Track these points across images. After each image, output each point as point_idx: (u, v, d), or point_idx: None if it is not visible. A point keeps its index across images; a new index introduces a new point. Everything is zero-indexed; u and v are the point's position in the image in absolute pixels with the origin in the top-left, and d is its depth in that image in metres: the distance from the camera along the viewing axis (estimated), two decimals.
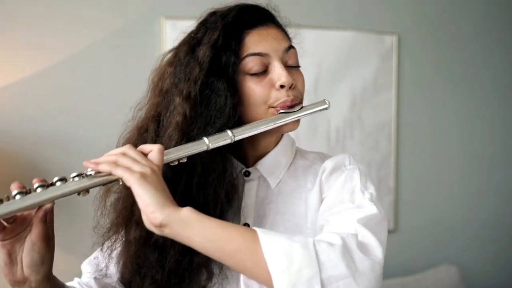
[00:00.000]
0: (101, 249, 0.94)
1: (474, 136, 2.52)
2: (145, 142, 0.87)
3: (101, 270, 0.97)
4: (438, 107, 2.44)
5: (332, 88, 2.19)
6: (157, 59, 1.98)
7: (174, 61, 0.90)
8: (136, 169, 0.71)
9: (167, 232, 0.70)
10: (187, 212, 0.71)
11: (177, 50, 0.92)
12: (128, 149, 0.75)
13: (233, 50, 0.86)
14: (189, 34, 0.92)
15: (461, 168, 2.51)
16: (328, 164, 0.94)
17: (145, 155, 0.76)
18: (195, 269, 0.87)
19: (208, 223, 0.71)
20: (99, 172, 0.74)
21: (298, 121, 0.90)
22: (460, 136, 2.49)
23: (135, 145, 0.85)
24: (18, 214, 0.76)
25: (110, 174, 0.73)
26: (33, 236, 0.77)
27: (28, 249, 0.78)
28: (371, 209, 0.81)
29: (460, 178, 2.51)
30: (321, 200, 0.91)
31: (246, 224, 0.92)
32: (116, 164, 0.72)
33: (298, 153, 1.01)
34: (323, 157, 0.99)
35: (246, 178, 0.95)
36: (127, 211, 0.87)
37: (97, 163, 0.74)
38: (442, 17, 2.43)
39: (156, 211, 0.69)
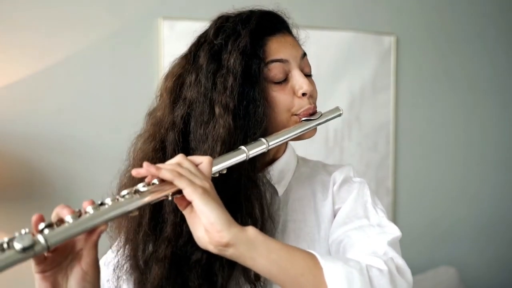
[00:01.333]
0: (114, 270, 0.89)
1: (473, 136, 2.52)
2: (164, 152, 0.85)
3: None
4: (437, 108, 2.44)
5: (330, 89, 2.19)
6: (155, 60, 1.99)
7: (194, 68, 0.87)
8: (197, 183, 0.67)
9: (231, 252, 0.67)
10: (253, 232, 0.68)
11: (193, 56, 0.88)
12: (183, 159, 0.71)
13: (260, 57, 0.86)
14: (205, 40, 0.89)
15: (460, 169, 2.51)
16: (337, 175, 0.95)
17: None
18: (238, 281, 0.85)
19: (273, 245, 0.69)
20: (151, 185, 0.69)
21: (315, 129, 0.92)
22: (458, 137, 2.49)
23: (152, 157, 0.83)
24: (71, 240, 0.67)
25: (167, 188, 0.68)
26: (84, 265, 0.70)
27: (78, 280, 0.70)
28: (395, 231, 0.83)
29: (459, 179, 2.50)
30: (334, 212, 0.92)
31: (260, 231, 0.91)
32: (178, 173, 0.67)
33: (300, 161, 1.02)
34: (324, 166, 1.00)
35: None
36: (153, 228, 0.83)
37: (159, 168, 0.68)
38: (440, 18, 2.43)
39: (224, 230, 0.65)
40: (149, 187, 0.68)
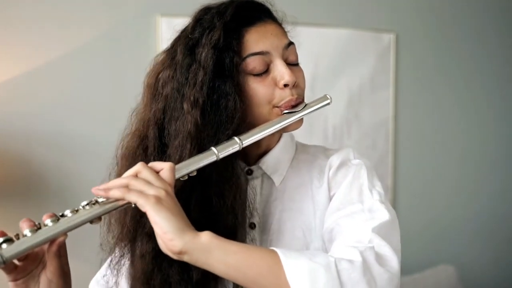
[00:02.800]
0: (109, 265, 0.90)
1: (472, 135, 2.52)
2: (146, 149, 0.84)
3: None
4: (436, 105, 2.43)
5: (329, 86, 2.18)
6: (152, 57, 1.97)
7: (172, 64, 0.86)
8: (150, 193, 0.68)
9: (186, 259, 0.67)
10: (207, 237, 0.68)
11: (172, 51, 0.88)
12: (141, 167, 0.71)
13: (235, 50, 0.83)
14: (184, 34, 0.88)
15: (460, 167, 2.50)
16: (334, 160, 0.92)
17: (156, 172, 0.73)
18: (221, 279, 0.84)
19: (229, 248, 0.68)
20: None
21: (301, 119, 0.88)
22: (458, 135, 2.49)
23: (135, 154, 0.82)
24: (30, 252, 0.71)
25: (122, 199, 0.70)
26: (48, 273, 0.74)
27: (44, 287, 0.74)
28: (383, 215, 0.80)
29: (458, 178, 2.50)
30: (329, 198, 0.89)
31: (252, 224, 0.90)
32: (128, 188, 0.69)
33: (299, 147, 0.99)
34: (325, 151, 0.97)
35: (248, 177, 0.92)
36: (136, 224, 0.83)
37: (107, 190, 0.70)
38: (440, 15, 2.42)
39: (175, 239, 0.66)
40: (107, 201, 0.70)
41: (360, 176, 0.88)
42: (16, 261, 0.71)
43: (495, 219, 2.57)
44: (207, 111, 0.81)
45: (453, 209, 2.49)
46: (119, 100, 1.89)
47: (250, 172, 0.92)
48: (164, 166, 0.73)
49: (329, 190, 0.90)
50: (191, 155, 0.79)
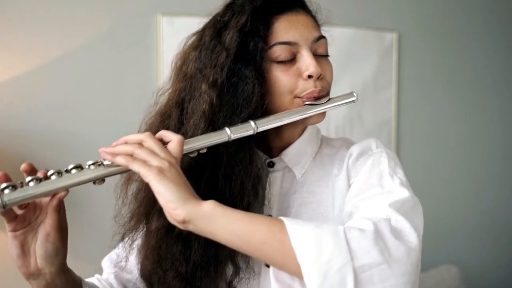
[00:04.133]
0: (122, 240, 0.91)
1: (474, 134, 2.50)
2: (167, 129, 0.83)
3: (120, 262, 0.94)
4: (438, 105, 2.42)
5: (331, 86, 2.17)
6: (153, 56, 1.97)
7: (199, 45, 0.86)
8: (153, 163, 0.68)
9: (191, 228, 0.68)
10: (210, 206, 0.68)
11: (202, 33, 0.88)
12: (147, 137, 0.72)
13: (261, 36, 0.82)
14: (215, 17, 0.88)
15: (462, 167, 2.49)
16: (355, 149, 0.91)
17: (164, 143, 0.73)
18: (221, 262, 0.84)
19: (232, 216, 0.68)
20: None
21: (324, 113, 0.87)
22: (460, 135, 2.47)
23: (156, 131, 0.82)
24: (31, 201, 0.73)
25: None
26: (47, 226, 0.74)
27: (42, 240, 0.75)
28: (403, 193, 0.77)
29: (461, 177, 2.49)
30: (348, 186, 0.87)
31: (269, 216, 0.88)
32: (132, 157, 0.69)
33: (324, 141, 0.98)
34: (349, 143, 0.96)
35: (270, 169, 0.91)
36: (148, 201, 0.84)
37: (114, 154, 0.70)
38: (442, 14, 2.41)
39: (178, 208, 0.66)
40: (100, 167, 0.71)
41: (380, 162, 0.85)
42: (16, 210, 0.73)
43: (499, 219, 2.55)
44: (224, 92, 0.81)
45: (456, 209, 2.47)
46: (120, 100, 1.89)
47: (272, 165, 0.91)
48: (173, 138, 0.73)
49: (348, 178, 0.88)
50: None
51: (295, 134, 0.92)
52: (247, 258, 0.85)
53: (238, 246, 0.68)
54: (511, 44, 2.56)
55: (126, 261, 0.92)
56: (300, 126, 0.91)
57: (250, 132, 0.80)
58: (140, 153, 0.69)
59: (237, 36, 0.81)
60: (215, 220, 0.67)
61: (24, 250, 0.75)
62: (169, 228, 0.81)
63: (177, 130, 0.83)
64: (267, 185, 0.90)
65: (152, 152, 0.69)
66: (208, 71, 0.82)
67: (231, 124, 0.80)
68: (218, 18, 0.86)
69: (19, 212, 0.74)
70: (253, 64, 0.81)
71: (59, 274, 0.78)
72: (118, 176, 0.80)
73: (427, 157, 2.41)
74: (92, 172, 0.71)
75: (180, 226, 0.68)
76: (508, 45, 2.55)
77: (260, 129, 0.81)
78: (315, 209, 0.89)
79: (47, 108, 1.80)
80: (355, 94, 0.92)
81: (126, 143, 0.72)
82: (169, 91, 0.90)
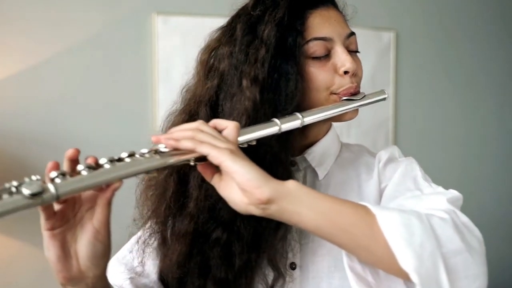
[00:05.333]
0: (137, 242, 0.86)
1: (473, 134, 2.49)
2: None
3: (135, 267, 0.88)
4: (437, 104, 2.41)
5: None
6: (149, 55, 1.96)
7: (230, 40, 0.82)
8: (221, 146, 0.63)
9: (274, 209, 0.62)
10: (294, 184, 0.63)
11: (230, 28, 0.85)
12: (202, 124, 0.66)
13: (298, 30, 0.80)
14: (243, 11, 0.85)
15: (460, 167, 2.48)
16: (383, 154, 0.90)
17: (218, 131, 0.68)
18: (262, 267, 0.81)
19: (317, 195, 0.63)
20: (175, 149, 0.64)
21: (357, 110, 0.85)
22: (458, 134, 2.46)
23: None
24: (77, 194, 0.64)
25: (189, 152, 0.64)
26: (96, 223, 0.65)
27: (89, 239, 0.65)
28: (454, 192, 0.76)
29: (459, 177, 2.47)
30: (380, 190, 0.87)
31: None
32: (198, 140, 0.63)
33: (343, 146, 0.97)
34: (368, 151, 0.96)
35: (291, 168, 0.87)
36: (177, 202, 0.80)
37: (176, 139, 0.64)
38: (440, 13, 2.40)
39: (262, 185, 0.60)
40: (171, 150, 0.64)
41: (413, 168, 0.85)
42: (55, 206, 0.63)
43: (496, 219, 2.54)
44: (266, 89, 0.78)
45: None
46: (115, 99, 1.88)
47: (293, 164, 0.88)
48: (228, 125, 0.68)
49: (380, 182, 0.87)
50: None
51: (320, 132, 0.89)
52: (286, 263, 0.82)
53: (324, 229, 0.62)
54: (509, 43, 2.55)
55: (143, 267, 0.87)
56: (327, 124, 0.90)
57: (298, 124, 0.77)
58: (203, 137, 0.64)
59: (276, 30, 0.79)
60: (301, 199, 0.62)
61: (65, 251, 0.64)
62: (202, 232, 0.78)
63: None
64: None
65: (214, 137, 0.64)
66: (247, 67, 0.79)
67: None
68: (251, 13, 0.82)
69: (56, 207, 0.64)
70: (293, 60, 0.79)
71: (102, 277, 0.68)
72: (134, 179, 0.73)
73: (424, 157, 2.39)
74: (149, 161, 0.62)
75: (259, 210, 0.62)
76: (506, 44, 2.54)
77: (307, 122, 0.78)
78: None
79: (41, 107, 1.79)
80: (386, 92, 0.92)
81: (180, 130, 0.66)
82: (195, 87, 0.86)
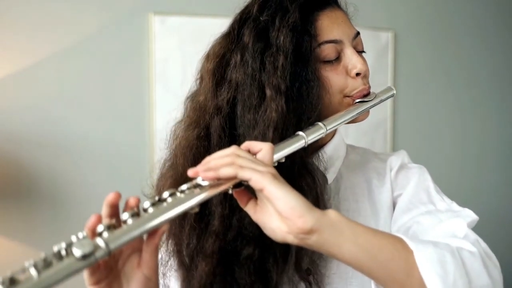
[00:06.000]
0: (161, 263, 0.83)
1: (471, 134, 2.49)
2: (209, 140, 0.78)
3: None
4: (435, 105, 2.40)
5: None
6: (145, 56, 1.95)
7: (239, 48, 0.79)
8: (263, 170, 0.60)
9: (315, 240, 0.59)
10: (336, 215, 0.61)
11: (235, 35, 0.81)
12: (237, 149, 0.63)
13: (311, 34, 0.78)
14: (247, 16, 0.81)
15: (459, 167, 2.47)
16: (394, 161, 0.91)
17: (253, 154, 0.65)
18: (294, 281, 0.79)
19: (358, 228, 0.61)
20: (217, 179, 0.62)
21: (368, 110, 0.86)
22: (457, 135, 2.46)
23: (195, 145, 0.76)
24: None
25: (229, 180, 0.61)
26: (146, 270, 0.62)
27: (140, 287, 0.62)
28: (471, 214, 0.78)
29: (457, 177, 2.47)
30: (392, 199, 0.87)
31: None
32: (238, 165, 0.60)
33: (349, 148, 0.97)
34: (375, 154, 0.95)
35: None
36: (201, 223, 0.77)
37: (215, 169, 0.60)
38: (439, 13, 2.39)
39: (305, 215, 0.58)
40: (210, 181, 0.62)
41: (425, 179, 0.86)
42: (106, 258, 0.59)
43: (495, 220, 2.53)
44: (291, 98, 0.76)
45: None
46: (112, 99, 1.87)
47: None
48: (262, 147, 0.65)
49: (392, 191, 0.87)
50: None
51: (328, 136, 0.86)
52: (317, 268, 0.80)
53: (363, 262, 0.60)
54: (507, 43, 2.55)
55: None
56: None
57: (322, 134, 0.76)
58: (243, 162, 0.61)
59: (291, 36, 0.76)
60: (343, 232, 0.60)
61: None
62: (231, 250, 0.75)
63: (224, 140, 0.78)
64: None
65: (252, 161, 0.62)
66: (266, 76, 0.76)
67: (298, 129, 0.75)
68: (257, 18, 0.79)
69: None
70: (311, 65, 0.78)
71: None
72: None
73: (423, 157, 2.38)
74: (190, 198, 0.60)
75: (297, 239, 0.60)
76: (504, 44, 2.54)
77: (329, 130, 0.77)
78: (355, 217, 0.84)
79: (38, 107, 1.78)
80: (392, 87, 0.91)
81: (214, 159, 0.63)
82: (203, 98, 0.82)
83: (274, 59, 0.76)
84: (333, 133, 0.90)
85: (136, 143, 1.89)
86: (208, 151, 0.77)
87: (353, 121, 0.83)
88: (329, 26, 0.81)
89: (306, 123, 0.76)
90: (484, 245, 0.70)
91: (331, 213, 0.61)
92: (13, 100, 1.75)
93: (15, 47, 1.75)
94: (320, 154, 0.86)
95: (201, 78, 0.84)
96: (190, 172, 0.62)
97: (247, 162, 0.61)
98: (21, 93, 1.76)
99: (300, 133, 0.73)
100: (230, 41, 0.81)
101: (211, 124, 0.79)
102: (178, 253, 0.81)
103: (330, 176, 0.88)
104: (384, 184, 0.88)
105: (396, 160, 0.90)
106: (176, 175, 0.80)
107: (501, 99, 2.55)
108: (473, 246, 0.66)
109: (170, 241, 0.82)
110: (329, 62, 0.80)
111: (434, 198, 0.82)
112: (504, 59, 2.54)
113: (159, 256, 0.82)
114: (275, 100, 0.75)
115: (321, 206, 0.78)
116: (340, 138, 0.93)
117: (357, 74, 0.81)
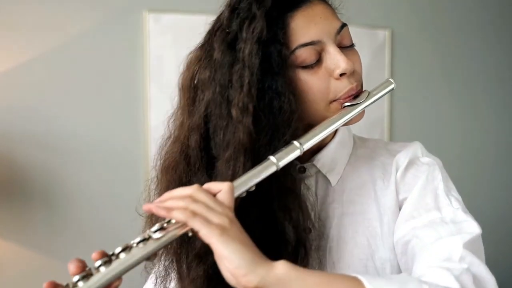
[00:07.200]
0: (155, 285, 0.82)
1: (469, 132, 2.48)
2: (189, 160, 0.76)
3: None
4: (432, 103, 2.39)
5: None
6: (140, 54, 1.93)
7: (209, 63, 0.74)
8: (214, 220, 0.59)
9: None
10: (284, 269, 0.59)
11: (207, 47, 0.76)
12: (197, 191, 0.62)
13: (281, 41, 0.71)
14: (219, 26, 0.76)
15: (457, 166, 2.46)
16: (402, 159, 0.83)
17: (213, 195, 0.63)
18: None
19: (308, 279, 0.59)
20: (167, 223, 0.61)
21: (364, 110, 0.78)
22: (454, 133, 2.45)
23: (178, 166, 0.74)
24: None
25: (181, 225, 0.61)
26: None
27: None
28: (473, 228, 0.71)
29: (456, 176, 2.44)
30: (398, 202, 0.80)
31: (306, 229, 0.78)
32: (191, 212, 0.59)
33: (357, 141, 0.90)
34: (386, 146, 0.88)
35: (301, 175, 0.82)
36: (182, 244, 0.75)
37: (169, 209, 0.60)
38: (436, 11, 2.38)
39: (249, 274, 0.57)
40: (163, 232, 0.61)
41: (434, 178, 0.79)
42: None
43: (494, 219, 2.53)
44: (259, 116, 0.71)
45: None
46: (106, 98, 1.85)
47: (303, 170, 0.82)
48: (222, 187, 0.63)
49: (397, 193, 0.80)
50: (245, 168, 0.69)
51: (328, 136, 0.81)
52: None
53: None
54: (505, 41, 2.53)
55: None
56: None
57: (297, 154, 0.70)
58: (197, 208, 0.60)
59: (257, 48, 0.70)
60: (290, 284, 0.58)
61: None
62: (213, 275, 0.72)
63: (202, 161, 0.75)
64: (300, 193, 0.80)
65: (208, 207, 0.60)
66: (234, 94, 0.71)
67: (272, 149, 0.70)
68: (226, 30, 0.74)
69: None
70: (282, 77, 0.71)
71: None
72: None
73: None
74: (143, 250, 0.60)
75: None
76: (503, 42, 2.53)
77: (306, 148, 0.71)
78: (360, 222, 0.80)
79: (31, 106, 1.76)
80: (391, 80, 0.82)
81: (172, 199, 0.62)
82: (181, 116, 0.79)
83: (240, 75, 0.71)
84: (334, 132, 0.84)
85: (131, 141, 1.88)
86: (189, 171, 0.75)
87: (347, 123, 0.77)
88: (304, 27, 0.73)
89: (281, 141, 0.71)
90: (478, 269, 0.65)
91: (279, 267, 0.59)
92: (7, 98, 1.74)
93: (8, 46, 1.74)
94: (320, 156, 0.82)
95: (179, 95, 0.81)
96: (144, 207, 0.62)
97: (201, 209, 0.60)
98: (15, 92, 1.75)
99: (271, 157, 0.68)
100: (202, 53, 0.77)
101: (189, 144, 0.76)
102: (173, 269, 0.80)
103: (334, 178, 0.83)
104: (388, 186, 0.81)
105: (405, 156, 0.83)
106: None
107: (499, 97, 2.54)
108: (454, 281, 0.61)
109: (166, 262, 0.80)
110: (308, 66, 0.73)
111: (441, 202, 0.75)
112: (501, 57, 2.53)
113: (159, 273, 0.81)
114: (241, 121, 0.70)
115: (312, 218, 0.77)
116: (344, 134, 0.86)
117: (342, 75, 0.74)
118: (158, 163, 0.81)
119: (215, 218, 0.59)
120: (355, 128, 2.35)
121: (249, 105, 0.70)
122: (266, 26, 0.71)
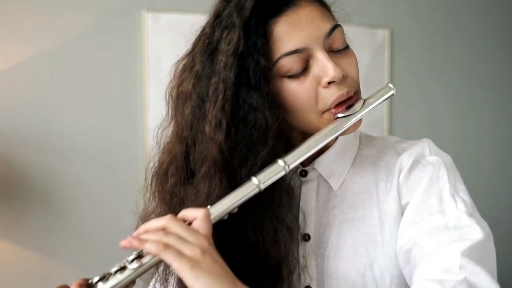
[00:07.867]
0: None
1: (469, 133, 2.48)
2: (176, 169, 0.75)
3: None
4: (432, 103, 2.39)
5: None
6: (138, 54, 1.92)
7: (191, 74, 0.72)
8: (186, 253, 0.58)
9: None
10: None
11: (193, 58, 0.74)
12: (169, 221, 0.60)
13: (260, 51, 0.67)
14: (203, 35, 0.73)
15: (457, 166, 2.45)
16: (405, 159, 0.78)
17: (188, 223, 0.62)
18: None
19: None
20: (140, 256, 0.61)
21: (361, 119, 0.73)
22: (454, 133, 2.45)
23: (166, 176, 0.73)
24: None
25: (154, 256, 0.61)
26: None
27: None
28: (475, 234, 0.67)
29: None
30: (400, 207, 0.76)
31: (306, 235, 0.76)
32: (163, 244, 0.58)
33: (364, 140, 0.85)
34: (395, 144, 0.83)
35: (302, 179, 0.79)
36: (167, 266, 0.75)
37: (142, 241, 0.60)
38: (436, 10, 2.38)
39: None
40: (139, 263, 0.61)
41: (439, 178, 0.74)
42: None
43: (494, 220, 2.51)
44: (232, 133, 0.68)
45: None
46: (105, 97, 1.85)
47: (304, 174, 0.79)
48: (197, 215, 0.62)
49: (400, 198, 0.76)
50: (221, 185, 0.68)
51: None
52: None
53: None
54: (505, 41, 2.53)
55: None
56: None
57: (282, 174, 0.67)
58: (169, 240, 0.59)
59: (232, 61, 0.67)
60: None
61: None
62: None
63: (185, 173, 0.74)
64: (300, 198, 0.78)
65: (181, 238, 0.59)
66: (208, 109, 0.68)
67: (249, 167, 0.68)
68: (207, 40, 0.71)
69: None
70: (258, 91, 0.67)
71: None
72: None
73: None
74: (121, 279, 0.61)
75: None
76: (503, 42, 2.52)
77: (292, 166, 0.67)
78: (359, 228, 0.77)
79: (30, 106, 1.76)
80: (391, 86, 0.77)
81: (147, 232, 0.62)
82: (168, 126, 0.79)
83: (216, 89, 0.68)
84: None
85: (129, 141, 1.87)
86: (178, 182, 0.74)
87: (343, 132, 0.73)
88: (288, 34, 0.68)
89: (257, 158, 0.68)
90: (477, 278, 0.63)
91: None
92: (5, 98, 1.73)
93: (7, 45, 1.73)
94: (321, 160, 0.80)
95: (167, 105, 0.79)
96: (121, 244, 0.62)
97: (173, 241, 0.58)
98: (13, 92, 1.74)
99: (253, 178, 0.66)
100: (190, 66, 0.75)
101: (176, 154, 0.75)
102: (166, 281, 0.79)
103: (336, 183, 0.80)
104: (390, 190, 0.77)
105: (409, 156, 0.78)
106: (155, 214, 0.78)
107: (499, 98, 2.54)
108: None
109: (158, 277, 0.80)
110: (294, 76, 0.69)
111: (446, 204, 0.71)
112: (501, 57, 2.52)
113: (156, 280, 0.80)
114: (213, 138, 0.68)
115: (296, 235, 0.75)
116: (347, 137, 0.81)
117: (330, 83, 0.69)
118: (150, 175, 0.80)
119: (187, 250, 0.58)
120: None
121: (222, 121, 0.67)
122: (244, 36, 0.67)
